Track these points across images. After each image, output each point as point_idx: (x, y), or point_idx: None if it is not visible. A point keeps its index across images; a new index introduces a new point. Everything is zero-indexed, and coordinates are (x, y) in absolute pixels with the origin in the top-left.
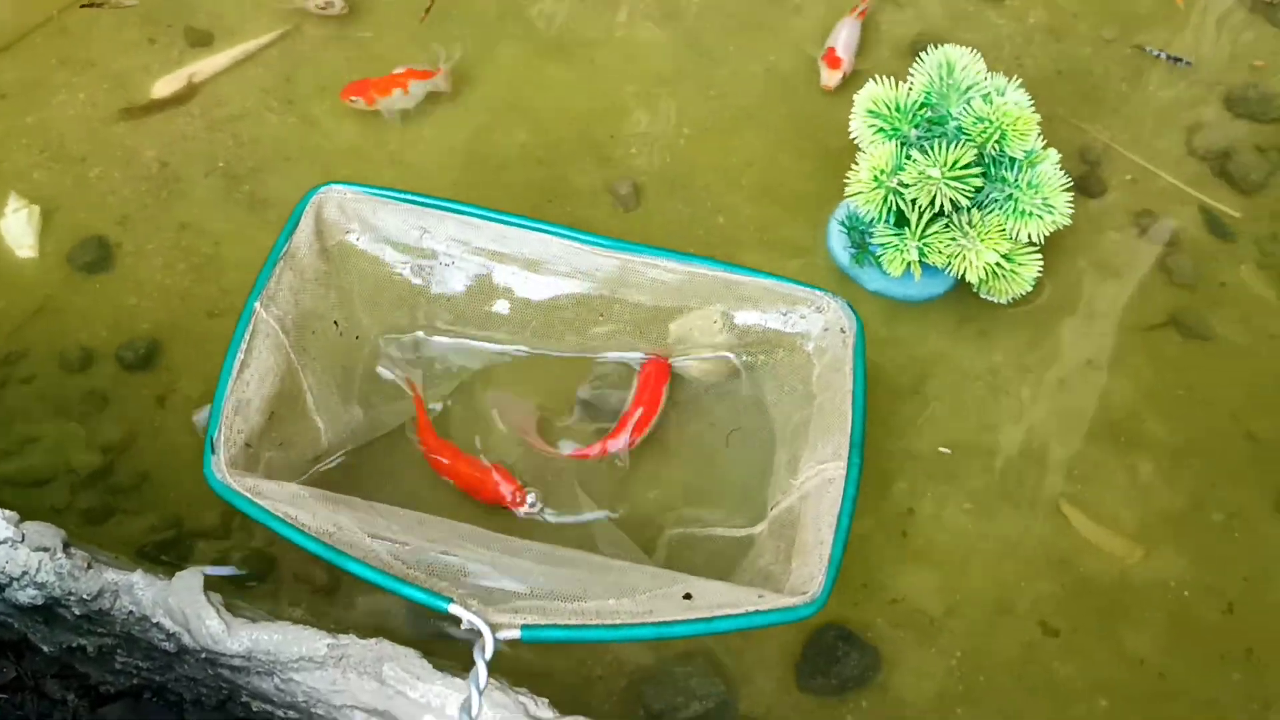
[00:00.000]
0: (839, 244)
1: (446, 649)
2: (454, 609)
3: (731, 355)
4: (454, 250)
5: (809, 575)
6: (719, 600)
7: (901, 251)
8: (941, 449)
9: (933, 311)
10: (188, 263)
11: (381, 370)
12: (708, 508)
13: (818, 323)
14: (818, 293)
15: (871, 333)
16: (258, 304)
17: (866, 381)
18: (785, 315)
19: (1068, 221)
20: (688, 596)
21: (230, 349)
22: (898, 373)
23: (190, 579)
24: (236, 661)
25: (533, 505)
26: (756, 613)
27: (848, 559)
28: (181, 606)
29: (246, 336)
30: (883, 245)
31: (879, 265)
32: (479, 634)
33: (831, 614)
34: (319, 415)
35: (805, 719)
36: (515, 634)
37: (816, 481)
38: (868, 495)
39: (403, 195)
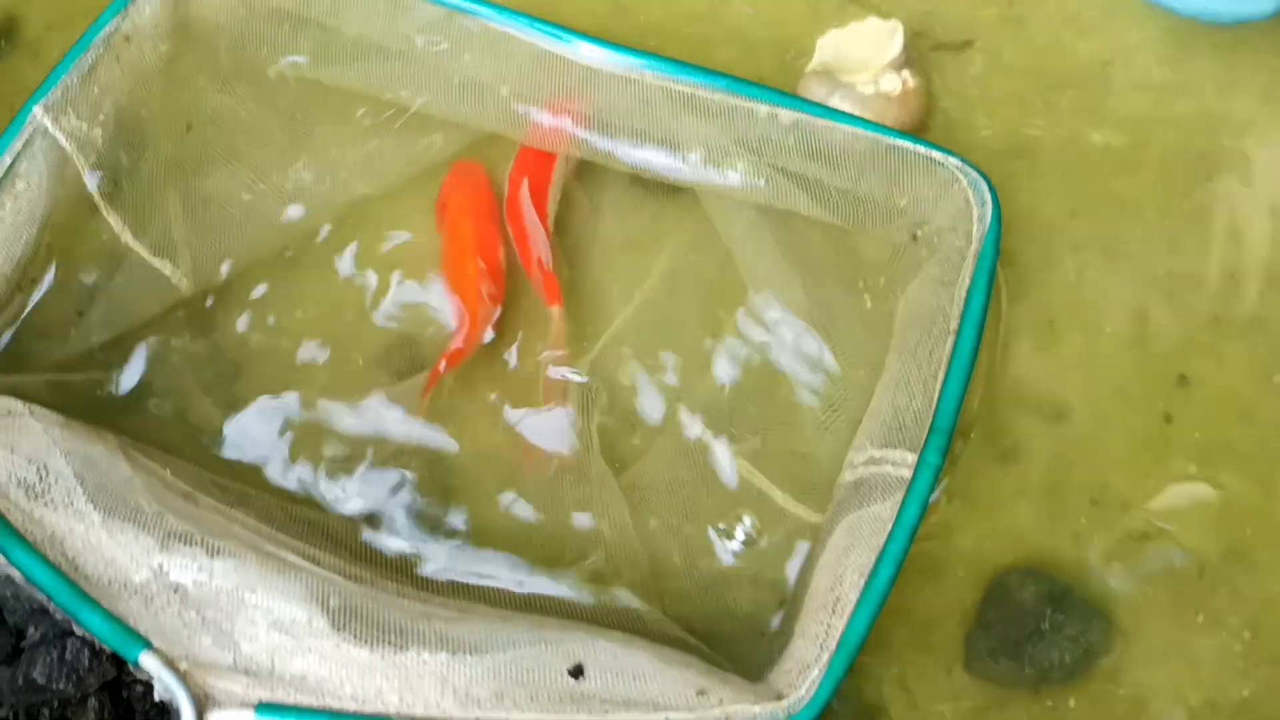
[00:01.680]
0: None
1: None
2: (146, 660)
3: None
4: None
5: (802, 660)
6: (624, 693)
7: None
8: None
9: (1246, 43)
10: None
11: None
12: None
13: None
14: (936, 155)
15: (1142, 70)
16: (38, 109)
17: (985, 317)
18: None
19: None
20: (576, 673)
21: None
22: (1182, 141)
23: None
24: None
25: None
26: None
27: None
28: None
29: (6, 159)
30: None
31: None
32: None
33: (1031, 547)
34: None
35: None
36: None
37: (868, 475)
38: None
39: None
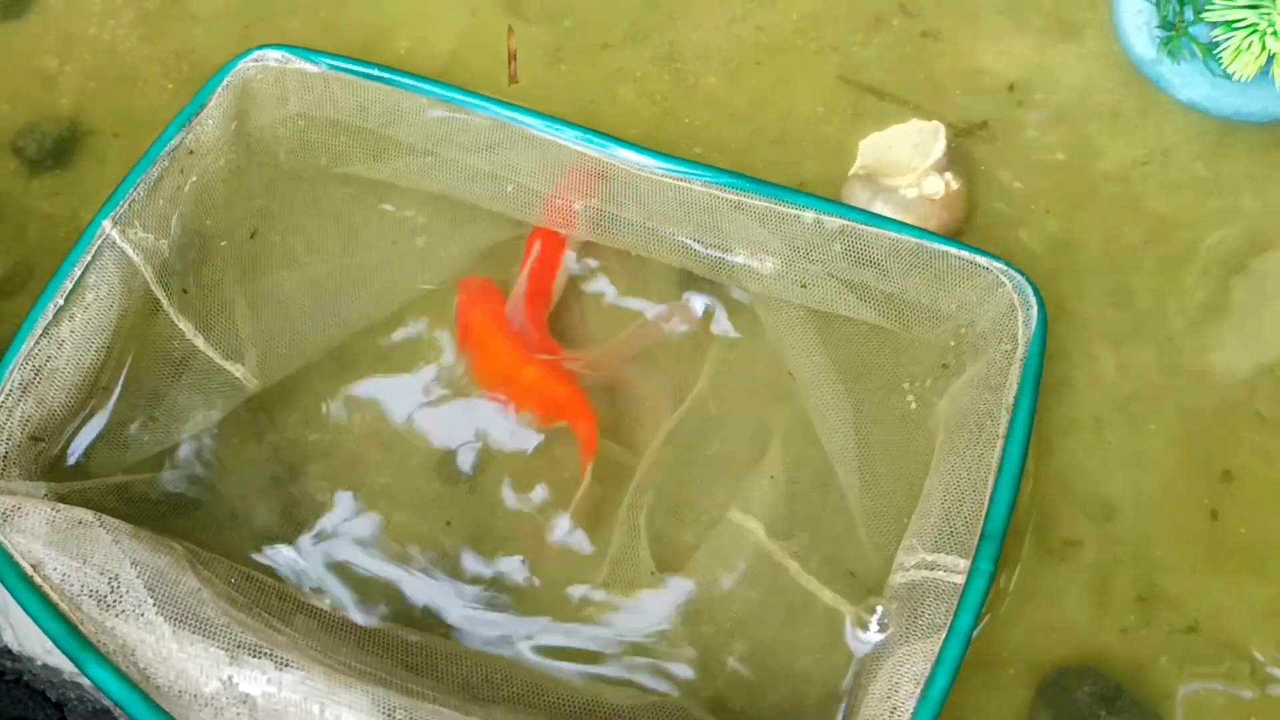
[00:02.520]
0: (1135, 21)
1: None
2: None
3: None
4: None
5: None
6: None
7: (1262, 35)
8: None
9: None
10: (136, 8)
11: None
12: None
13: (976, 304)
14: (980, 260)
15: (1179, 166)
16: (107, 222)
17: (1033, 421)
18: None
19: None
20: None
21: (49, 288)
22: (1221, 238)
23: None
24: None
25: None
26: None
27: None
28: None
29: (76, 272)
30: (1224, 24)
31: (1208, 59)
32: None
33: (1080, 644)
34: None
35: None
36: None
37: (920, 579)
38: (1135, 440)
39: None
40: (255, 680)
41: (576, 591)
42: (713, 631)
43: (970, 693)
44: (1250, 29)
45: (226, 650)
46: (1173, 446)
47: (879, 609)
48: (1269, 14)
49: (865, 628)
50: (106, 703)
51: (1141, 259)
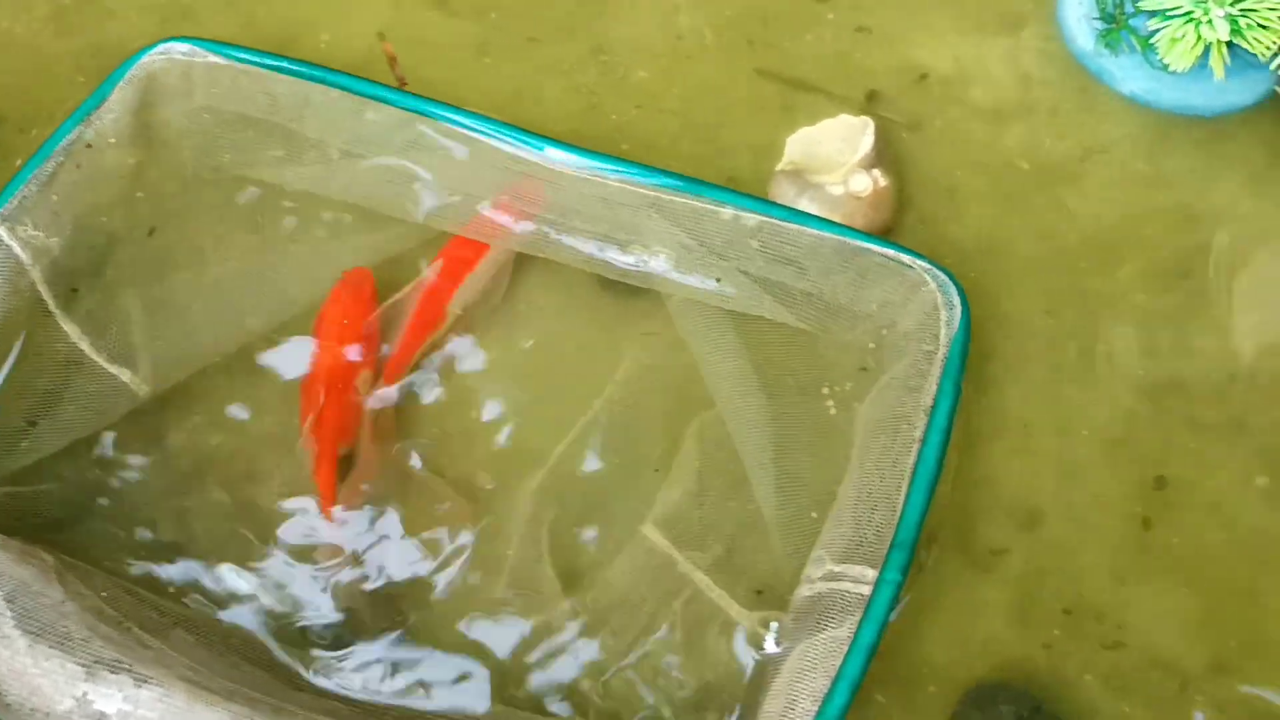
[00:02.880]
0: (1077, 14)
1: None
2: None
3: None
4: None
5: None
6: None
7: (1197, 24)
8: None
9: (1227, 135)
10: (52, 3)
11: None
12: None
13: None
14: (905, 258)
15: (1118, 162)
16: None
17: (951, 424)
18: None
19: None
20: None
21: None
22: (1161, 237)
23: None
24: None
25: None
26: None
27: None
28: None
29: None
30: (1161, 14)
31: (1147, 52)
32: None
33: (1002, 659)
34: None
35: None
36: None
37: (826, 591)
38: (1065, 445)
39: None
40: (111, 698)
41: (471, 609)
42: (616, 645)
43: (886, 713)
44: (1185, 17)
45: (84, 666)
46: (1104, 453)
47: (773, 625)
48: (1204, 1)
49: (760, 646)
50: None
51: (1077, 259)
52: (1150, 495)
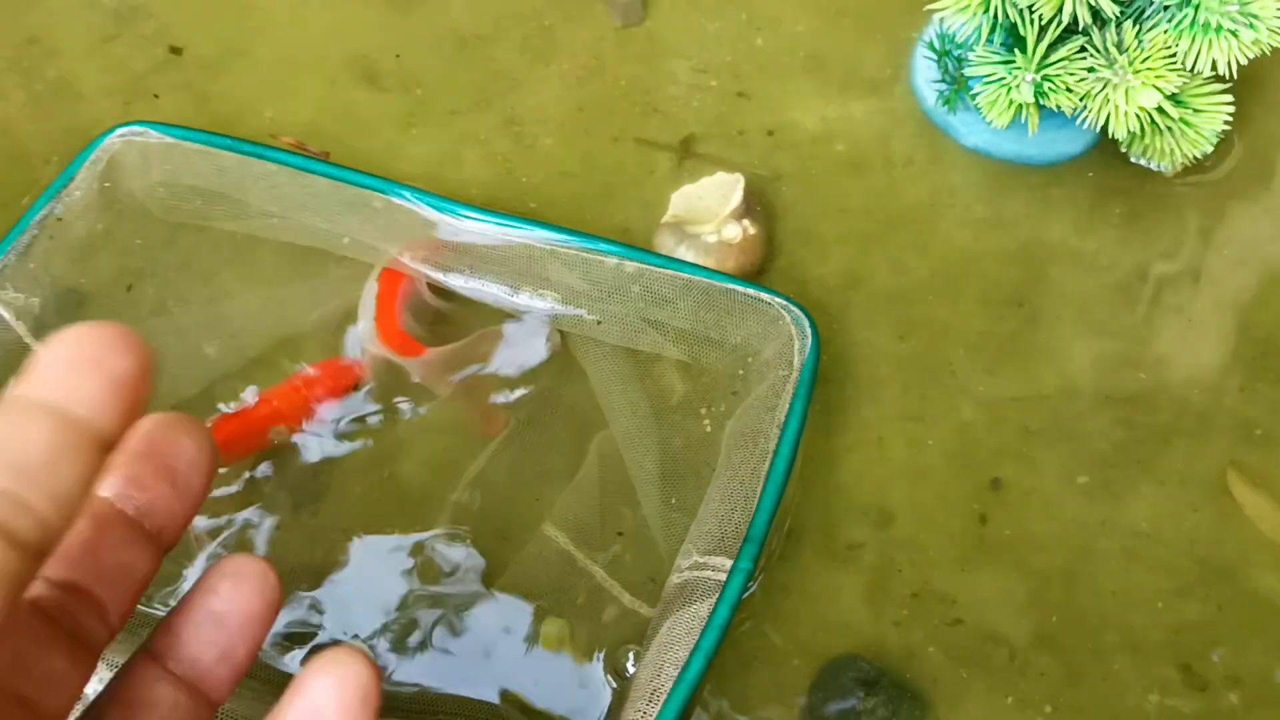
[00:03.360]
0: (926, 76)
1: None
2: None
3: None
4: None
5: None
6: None
7: (1008, 89)
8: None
9: (1058, 181)
10: (27, 90)
11: None
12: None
13: (761, 336)
14: (764, 296)
15: (963, 206)
16: None
17: (800, 438)
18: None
19: None
20: None
21: None
22: (999, 271)
23: None
24: None
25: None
26: None
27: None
28: None
29: None
30: (983, 78)
31: (979, 109)
32: None
33: (858, 636)
34: None
35: None
36: None
37: (692, 579)
38: (914, 454)
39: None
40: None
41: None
42: (526, 634)
43: (757, 684)
44: (1000, 81)
45: None
46: (947, 460)
47: (630, 654)
48: (1015, 68)
49: (622, 673)
50: None
51: (926, 292)
52: (987, 495)
